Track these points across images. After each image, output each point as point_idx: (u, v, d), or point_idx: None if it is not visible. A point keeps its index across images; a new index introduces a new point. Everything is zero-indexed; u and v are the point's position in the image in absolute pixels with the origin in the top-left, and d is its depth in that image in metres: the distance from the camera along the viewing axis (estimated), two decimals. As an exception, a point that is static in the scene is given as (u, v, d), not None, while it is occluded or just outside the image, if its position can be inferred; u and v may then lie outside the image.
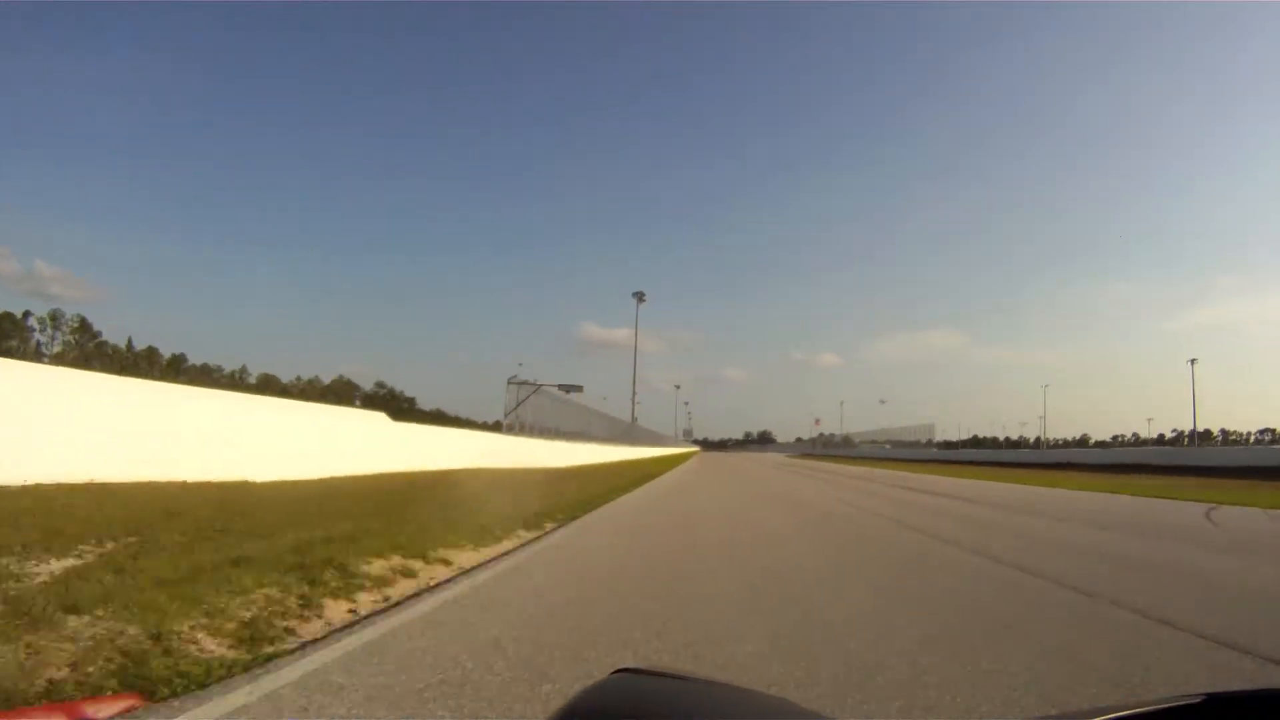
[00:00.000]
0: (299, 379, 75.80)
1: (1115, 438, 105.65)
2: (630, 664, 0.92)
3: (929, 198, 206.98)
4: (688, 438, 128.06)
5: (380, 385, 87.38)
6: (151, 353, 58.69)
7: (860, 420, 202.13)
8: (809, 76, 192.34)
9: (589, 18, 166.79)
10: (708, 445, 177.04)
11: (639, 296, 46.80)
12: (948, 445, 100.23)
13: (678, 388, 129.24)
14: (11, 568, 3.94)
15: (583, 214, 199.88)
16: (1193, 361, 59.69)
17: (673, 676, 0.87)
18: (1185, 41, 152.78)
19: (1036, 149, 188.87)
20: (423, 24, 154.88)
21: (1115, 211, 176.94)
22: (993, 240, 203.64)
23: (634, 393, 50.26)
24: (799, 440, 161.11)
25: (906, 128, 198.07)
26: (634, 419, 49.72)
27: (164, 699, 2.49)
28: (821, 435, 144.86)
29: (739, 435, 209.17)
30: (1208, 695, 0.68)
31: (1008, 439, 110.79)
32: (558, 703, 0.95)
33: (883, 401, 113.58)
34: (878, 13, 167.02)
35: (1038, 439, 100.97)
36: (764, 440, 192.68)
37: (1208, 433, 61.66)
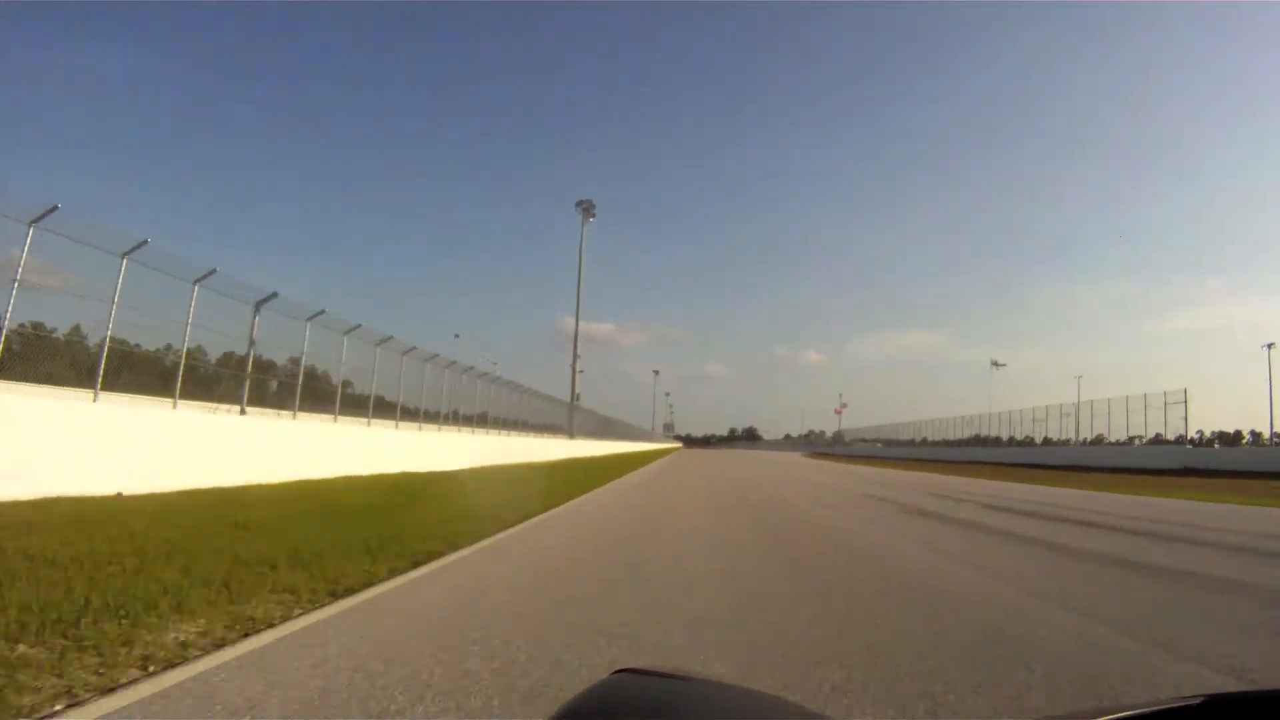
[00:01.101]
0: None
1: (1132, 438, 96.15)
2: (630, 664, 0.92)
3: (917, 196, 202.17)
4: (668, 432, 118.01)
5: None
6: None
7: (856, 417, 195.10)
8: (796, 77, 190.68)
9: (581, 12, 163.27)
10: (690, 441, 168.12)
11: (585, 207, 35.32)
12: (947, 444, 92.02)
13: (656, 373, 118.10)
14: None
15: (563, 204, 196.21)
16: (1269, 347, 50.18)
17: (674, 677, 0.87)
18: (1177, 38, 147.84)
19: (1023, 148, 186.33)
20: (418, 20, 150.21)
21: (1103, 211, 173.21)
22: (979, 240, 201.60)
23: (575, 356, 38.13)
24: (788, 437, 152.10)
25: (896, 123, 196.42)
26: (575, 398, 37.59)
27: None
28: (811, 431, 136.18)
29: (723, 431, 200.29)
30: (1206, 697, 0.68)
31: (1012, 438, 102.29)
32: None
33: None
34: (866, 15, 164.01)
35: (1047, 438, 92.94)
36: (750, 436, 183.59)
37: (1238, 434, 52.88)
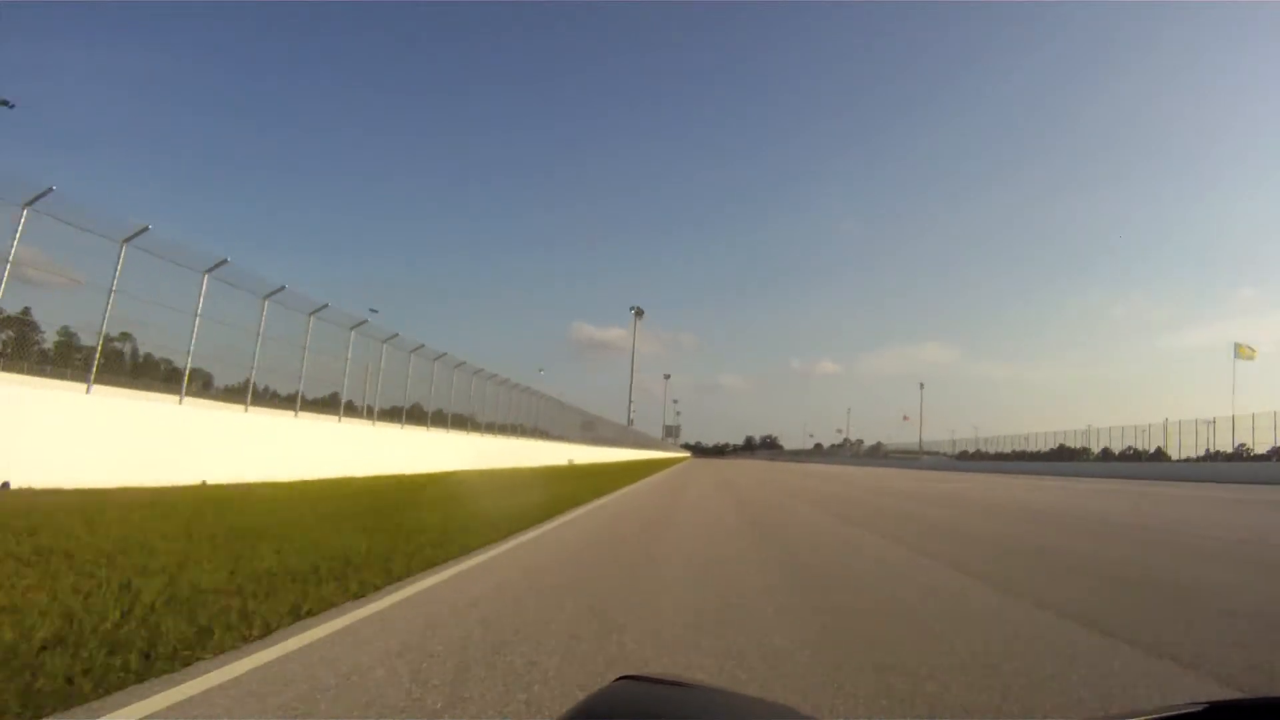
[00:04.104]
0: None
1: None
2: (632, 672, 0.90)
3: (935, 208, 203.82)
4: (672, 436, 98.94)
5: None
6: None
7: (871, 430, 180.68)
8: (811, 86, 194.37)
9: (597, 23, 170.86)
10: (701, 451, 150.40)
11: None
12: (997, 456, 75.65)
13: (638, 313, 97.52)
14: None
15: (579, 215, 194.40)
16: None
17: (676, 684, 0.89)
18: (1201, 45, 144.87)
19: (1042, 158, 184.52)
20: (430, 28, 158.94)
21: (1126, 222, 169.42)
22: (996, 253, 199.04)
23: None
24: (818, 447, 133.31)
25: (914, 135, 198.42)
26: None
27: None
28: (848, 441, 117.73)
29: (738, 440, 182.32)
30: (1209, 704, 0.66)
31: (1096, 447, 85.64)
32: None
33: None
34: (879, 24, 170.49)
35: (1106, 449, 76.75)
36: (771, 446, 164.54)
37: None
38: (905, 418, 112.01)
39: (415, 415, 20.34)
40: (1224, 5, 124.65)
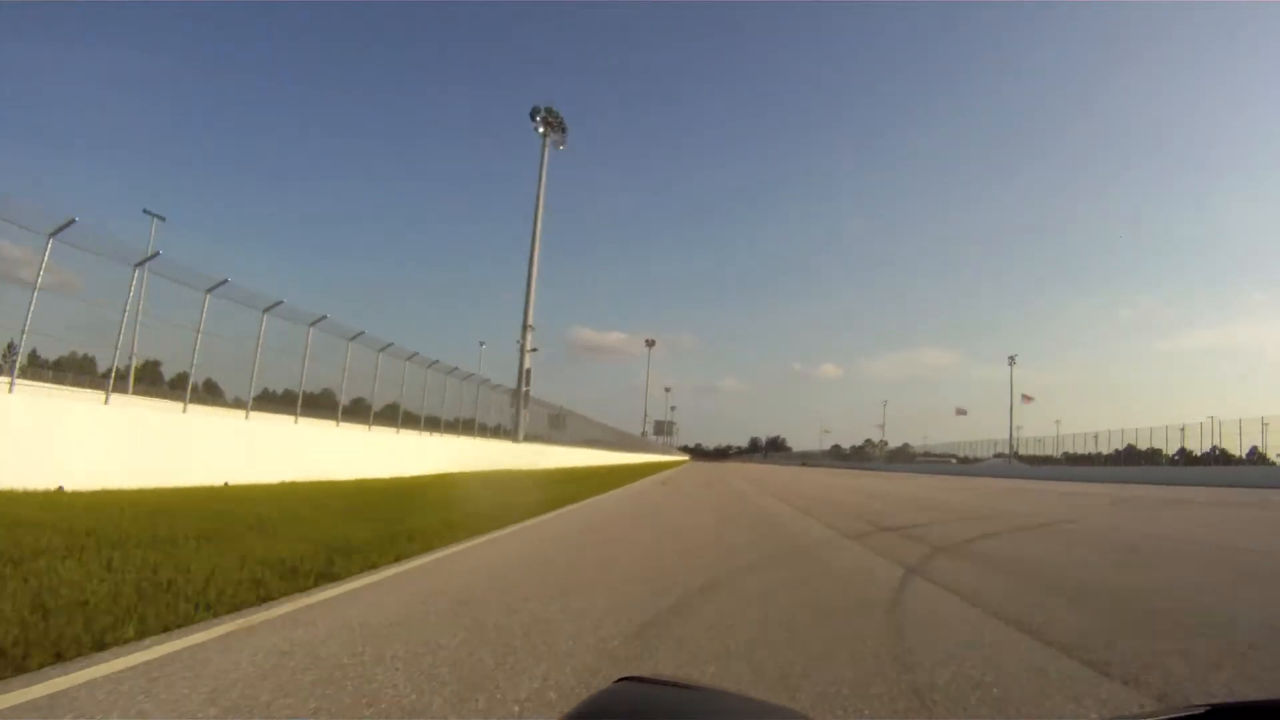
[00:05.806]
0: None
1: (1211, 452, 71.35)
2: (633, 673, 0.90)
3: (934, 211, 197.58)
4: (664, 434, 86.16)
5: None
6: None
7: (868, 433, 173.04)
8: (812, 86, 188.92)
9: (597, 23, 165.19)
10: (701, 454, 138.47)
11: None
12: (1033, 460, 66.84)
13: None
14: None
15: (577, 217, 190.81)
16: None
17: (676, 685, 0.90)
18: (1199, 42, 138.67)
19: (1046, 157, 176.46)
20: (430, 28, 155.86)
21: (1132, 222, 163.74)
22: (997, 255, 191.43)
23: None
24: (836, 448, 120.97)
25: (915, 137, 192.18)
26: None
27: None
28: (870, 442, 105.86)
29: (742, 443, 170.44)
30: (1211, 706, 0.67)
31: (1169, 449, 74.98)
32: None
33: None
34: (879, 24, 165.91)
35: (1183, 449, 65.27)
36: (778, 447, 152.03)
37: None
38: (954, 412, 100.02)
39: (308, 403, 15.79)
40: (1224, 5, 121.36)
